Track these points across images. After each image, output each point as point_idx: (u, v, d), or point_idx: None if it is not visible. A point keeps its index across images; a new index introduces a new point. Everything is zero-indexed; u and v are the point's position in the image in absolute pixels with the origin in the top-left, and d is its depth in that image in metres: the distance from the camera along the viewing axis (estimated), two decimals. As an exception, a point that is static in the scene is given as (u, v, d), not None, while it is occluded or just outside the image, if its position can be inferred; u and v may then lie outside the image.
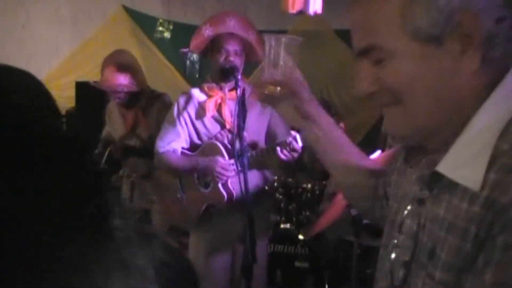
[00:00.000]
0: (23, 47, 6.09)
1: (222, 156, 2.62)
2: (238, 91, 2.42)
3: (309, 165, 4.16)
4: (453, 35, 0.82)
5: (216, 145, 2.66)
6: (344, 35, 5.53)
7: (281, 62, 1.15)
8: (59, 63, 6.05)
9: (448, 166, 0.86)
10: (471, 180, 0.82)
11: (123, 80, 3.39)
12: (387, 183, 1.19)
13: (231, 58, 2.54)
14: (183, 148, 2.78)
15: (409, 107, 0.88)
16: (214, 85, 2.67)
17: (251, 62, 2.76)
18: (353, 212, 2.27)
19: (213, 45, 2.60)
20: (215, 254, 2.72)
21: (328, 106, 5.51)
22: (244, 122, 2.42)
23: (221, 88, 2.66)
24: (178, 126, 2.74)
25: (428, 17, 0.82)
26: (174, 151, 2.76)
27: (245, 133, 2.44)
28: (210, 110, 2.66)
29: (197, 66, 5.65)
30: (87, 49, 5.87)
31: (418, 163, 0.99)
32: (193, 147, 2.79)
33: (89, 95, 4.15)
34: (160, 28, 5.83)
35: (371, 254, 3.07)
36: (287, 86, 1.17)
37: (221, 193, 2.63)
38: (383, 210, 1.21)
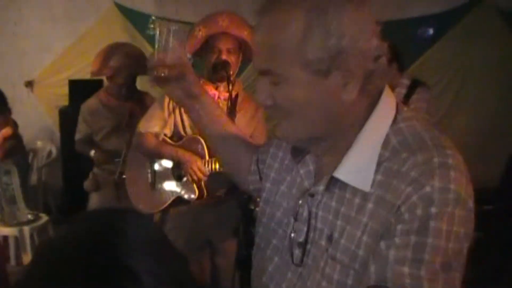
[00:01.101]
0: (16, 44, 6.06)
1: (203, 151, 2.64)
2: (230, 87, 2.45)
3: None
4: (338, 70, 0.99)
5: (198, 139, 2.67)
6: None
7: (170, 47, 1.26)
8: (51, 60, 6.02)
9: (344, 173, 1.06)
10: (363, 183, 1.04)
11: (128, 61, 3.47)
12: (260, 160, 1.41)
13: (223, 57, 2.56)
14: (165, 135, 2.79)
15: (297, 124, 1.07)
16: (210, 83, 2.69)
17: (246, 61, 2.78)
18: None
19: (207, 46, 2.62)
20: (190, 252, 2.73)
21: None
22: (233, 120, 2.44)
23: (216, 88, 2.68)
24: (166, 112, 2.74)
25: (319, 54, 0.97)
26: (156, 135, 2.76)
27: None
28: None
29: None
30: (80, 46, 5.85)
31: (303, 159, 1.21)
32: (176, 137, 2.79)
33: (83, 92, 4.13)
34: (152, 26, 5.81)
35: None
36: (175, 69, 1.28)
37: (192, 188, 2.65)
38: (255, 184, 1.43)
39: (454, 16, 5.23)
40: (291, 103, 1.04)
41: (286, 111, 1.05)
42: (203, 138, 2.58)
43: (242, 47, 2.66)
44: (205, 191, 2.65)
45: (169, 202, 2.76)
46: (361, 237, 1.03)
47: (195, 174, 2.60)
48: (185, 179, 2.69)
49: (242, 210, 2.31)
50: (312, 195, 1.15)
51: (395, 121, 1.06)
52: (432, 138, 1.03)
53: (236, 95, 2.64)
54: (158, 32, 1.27)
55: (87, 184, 3.68)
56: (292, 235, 1.18)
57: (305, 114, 1.04)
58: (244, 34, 2.60)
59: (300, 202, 1.18)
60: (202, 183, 2.65)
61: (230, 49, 2.59)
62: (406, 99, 3.65)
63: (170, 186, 2.77)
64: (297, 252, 1.16)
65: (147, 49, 5.74)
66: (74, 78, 5.57)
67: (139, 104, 3.68)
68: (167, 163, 2.78)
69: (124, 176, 3.18)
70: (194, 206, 2.74)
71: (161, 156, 2.77)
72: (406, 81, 3.72)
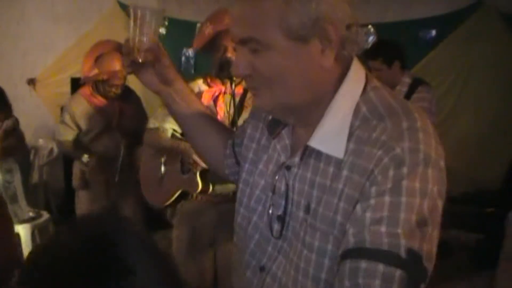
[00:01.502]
0: (18, 43, 6.08)
1: None
2: (233, 85, 2.46)
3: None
4: (317, 36, 1.04)
5: None
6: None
7: (145, 31, 1.26)
8: (54, 59, 6.04)
9: (317, 141, 1.10)
10: (336, 150, 1.08)
11: (117, 66, 3.42)
12: (235, 144, 1.44)
13: (228, 54, 2.57)
14: (175, 131, 2.81)
15: (276, 91, 1.09)
16: (218, 79, 2.71)
17: None
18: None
19: (213, 42, 2.63)
20: (194, 249, 2.74)
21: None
22: (238, 117, 2.45)
23: (223, 83, 2.70)
24: None
25: (300, 18, 1.02)
26: (164, 130, 2.79)
27: (234, 129, 2.47)
28: (206, 101, 2.69)
29: (192, 62, 5.66)
30: (82, 45, 5.85)
31: (279, 134, 1.24)
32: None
33: (85, 91, 4.13)
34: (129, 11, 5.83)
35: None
36: (150, 53, 1.30)
37: (196, 181, 2.66)
38: (231, 168, 1.47)
39: (456, 18, 5.23)
40: (272, 69, 1.07)
41: (266, 78, 1.08)
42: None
43: None
44: (210, 185, 2.65)
45: (175, 196, 2.77)
46: (338, 203, 1.06)
47: (196, 163, 2.61)
48: (190, 172, 2.70)
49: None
50: (288, 168, 1.18)
51: (364, 90, 1.11)
52: (400, 104, 1.09)
53: (245, 91, 2.65)
54: (132, 17, 1.26)
55: (75, 182, 3.66)
56: (270, 210, 1.21)
57: (285, 81, 1.08)
58: None
59: (277, 176, 1.22)
60: (207, 175, 2.64)
61: (235, 47, 2.59)
62: (407, 98, 3.64)
63: (176, 180, 2.78)
64: (276, 226, 1.19)
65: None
66: (76, 76, 5.58)
67: (127, 101, 3.68)
68: (177, 158, 2.80)
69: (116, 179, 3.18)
70: (199, 203, 2.74)
71: (166, 151, 2.80)
72: (407, 80, 3.71)
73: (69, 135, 3.60)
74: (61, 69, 6.00)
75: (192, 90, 1.53)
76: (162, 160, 2.86)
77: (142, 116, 3.70)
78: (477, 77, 5.28)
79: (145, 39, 1.27)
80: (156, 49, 1.32)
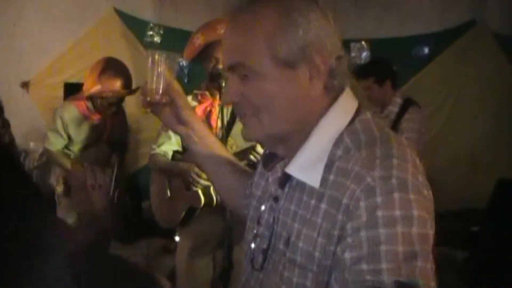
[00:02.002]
0: (14, 45, 6.06)
1: None
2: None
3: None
4: (305, 63, 1.05)
5: None
6: (345, 45, 5.58)
7: (162, 74, 1.32)
8: (48, 62, 6.03)
9: (294, 168, 1.09)
10: (312, 179, 1.06)
11: (119, 85, 3.45)
12: (252, 183, 1.41)
13: (219, 66, 2.57)
14: (177, 151, 2.83)
15: (264, 119, 1.09)
16: (206, 92, 2.72)
17: None
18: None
19: (205, 53, 2.64)
20: (197, 257, 2.76)
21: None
22: (230, 129, 2.46)
23: (212, 95, 2.70)
24: (170, 130, 2.78)
25: (287, 45, 1.03)
26: (164, 153, 2.82)
27: (231, 140, 2.48)
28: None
29: (185, 71, 5.67)
30: (77, 49, 5.87)
31: (274, 168, 1.25)
32: (186, 150, 2.84)
33: (78, 95, 4.13)
34: (150, 32, 5.84)
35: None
36: (166, 95, 1.34)
37: (198, 196, 2.67)
38: (248, 207, 1.41)
39: (449, 36, 5.30)
40: (260, 96, 1.07)
41: (255, 105, 1.08)
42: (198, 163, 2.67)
43: None
44: (214, 197, 2.66)
45: (183, 214, 2.78)
46: (317, 238, 1.02)
47: (195, 180, 2.62)
48: (192, 188, 2.71)
49: (225, 223, 2.33)
50: (276, 200, 1.17)
51: (352, 121, 1.09)
52: (381, 133, 1.06)
53: None
54: (149, 60, 1.33)
55: (58, 189, 3.66)
56: (252, 244, 1.21)
57: (273, 108, 1.07)
58: None
59: (263, 207, 1.22)
60: (211, 190, 2.65)
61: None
62: (398, 118, 3.68)
63: (182, 197, 2.80)
64: (260, 258, 1.18)
65: (144, 55, 5.77)
66: (70, 81, 5.58)
67: (118, 118, 3.71)
68: (179, 177, 2.83)
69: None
70: (206, 215, 2.74)
71: (166, 171, 2.83)
72: (399, 100, 3.75)
73: (58, 144, 3.61)
74: (55, 72, 5.99)
75: (211, 132, 1.55)
76: (167, 182, 2.89)
77: (126, 128, 3.76)
78: (468, 95, 5.34)
79: (161, 81, 1.33)
80: (172, 91, 1.35)
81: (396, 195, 0.94)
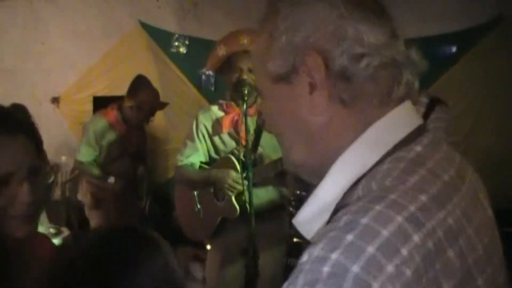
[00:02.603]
0: (42, 62, 6.19)
1: (236, 169, 2.66)
2: (244, 105, 2.45)
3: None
4: (299, 73, 0.83)
5: (230, 158, 2.71)
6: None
7: None
8: (77, 77, 6.14)
9: (299, 219, 0.85)
10: (308, 232, 0.83)
11: (153, 98, 3.70)
12: None
13: (244, 77, 2.58)
14: (202, 162, 2.84)
15: (283, 142, 0.91)
16: (231, 102, 2.73)
17: None
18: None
19: (228, 64, 2.65)
20: (228, 266, 2.76)
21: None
22: (259, 139, 2.46)
23: (238, 105, 2.71)
24: (197, 141, 2.81)
25: (275, 56, 0.85)
26: (192, 164, 2.82)
27: (260, 149, 2.48)
28: (227, 127, 2.72)
29: (212, 81, 5.71)
30: (104, 64, 5.96)
31: None
32: (212, 161, 2.84)
33: (106, 109, 4.21)
34: (176, 43, 5.90)
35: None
36: None
37: (233, 206, 2.66)
38: None
39: (475, 34, 5.21)
40: (269, 118, 0.94)
41: (272, 129, 0.94)
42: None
43: None
44: (248, 206, 2.65)
45: (216, 225, 2.78)
46: None
47: (232, 187, 2.62)
48: (225, 198, 2.71)
49: (250, 230, 2.32)
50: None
51: (384, 158, 0.79)
52: (398, 182, 0.74)
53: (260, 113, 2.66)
54: None
55: (86, 203, 3.74)
56: None
57: (282, 132, 0.91)
58: None
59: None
60: (242, 197, 2.61)
61: (251, 68, 2.61)
62: (425, 118, 3.64)
63: (213, 209, 2.80)
64: None
65: (170, 67, 5.84)
66: (98, 95, 5.68)
67: (140, 131, 3.81)
68: (209, 189, 2.82)
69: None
70: (233, 224, 2.74)
71: (198, 181, 2.83)
72: (425, 100, 3.71)
73: (90, 156, 3.69)
74: (84, 87, 6.09)
75: None
76: (196, 194, 2.88)
77: (146, 141, 3.89)
78: (497, 95, 5.24)
79: None
80: None
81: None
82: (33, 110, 4.50)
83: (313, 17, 0.83)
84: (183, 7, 5.86)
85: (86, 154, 3.71)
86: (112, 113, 3.76)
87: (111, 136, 3.71)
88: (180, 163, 2.87)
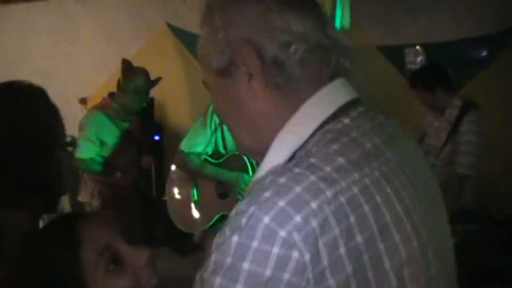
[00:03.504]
0: (72, 63, 6.27)
1: (246, 170, 2.63)
2: None
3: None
4: (236, 66, 0.92)
5: (241, 158, 2.68)
6: (387, 52, 5.49)
7: None
8: (105, 78, 6.20)
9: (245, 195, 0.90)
10: None
11: (142, 82, 3.76)
12: None
13: None
14: (205, 154, 2.80)
15: (232, 131, 1.01)
16: None
17: None
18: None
19: None
20: None
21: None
22: None
23: None
24: (208, 130, 2.75)
25: (213, 52, 0.94)
26: (198, 155, 2.77)
27: None
28: None
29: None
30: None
31: None
32: (216, 154, 2.79)
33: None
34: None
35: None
36: None
37: None
38: None
39: (507, 37, 5.10)
40: (217, 109, 1.04)
41: (222, 120, 1.06)
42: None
43: None
44: None
45: (213, 220, 2.76)
46: None
47: (244, 191, 2.61)
48: (230, 196, 2.70)
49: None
50: None
51: (315, 133, 0.89)
52: (322, 149, 0.85)
53: None
54: None
55: (94, 203, 3.65)
56: None
57: (229, 121, 1.01)
58: None
59: None
60: None
61: None
62: (458, 120, 3.58)
63: (215, 204, 2.77)
64: None
65: (197, 68, 5.84)
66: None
67: (147, 121, 3.78)
68: (209, 182, 2.79)
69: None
70: None
71: (205, 176, 2.78)
72: (458, 102, 3.65)
73: (90, 152, 3.58)
74: (112, 88, 6.13)
75: None
76: (194, 185, 2.84)
77: (158, 131, 3.81)
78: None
79: None
80: None
81: (235, 238, 0.77)
82: (62, 110, 4.55)
83: (243, 13, 0.91)
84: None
85: (86, 150, 3.56)
86: (107, 104, 3.70)
87: (111, 128, 3.63)
88: (186, 149, 2.80)
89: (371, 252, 0.79)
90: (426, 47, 5.31)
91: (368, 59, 5.61)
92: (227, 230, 0.79)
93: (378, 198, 0.83)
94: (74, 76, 6.27)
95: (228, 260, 0.76)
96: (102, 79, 6.19)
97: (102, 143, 3.60)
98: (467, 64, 5.18)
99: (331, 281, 0.76)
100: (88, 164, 3.60)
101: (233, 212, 0.81)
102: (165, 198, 3.10)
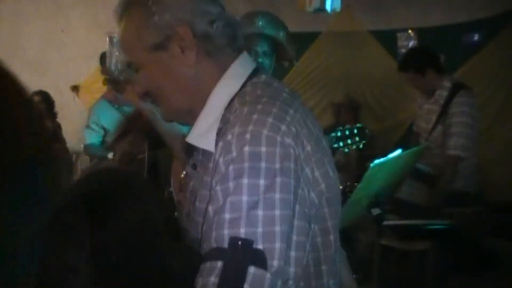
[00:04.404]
0: (63, 51, 6.24)
1: None
2: None
3: (343, 166, 4.14)
4: (172, 40, 1.15)
5: None
6: (380, 36, 5.49)
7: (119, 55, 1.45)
8: (96, 66, 6.17)
9: (192, 136, 1.18)
10: (208, 144, 1.13)
11: None
12: None
13: (260, 60, 2.53)
14: None
15: (163, 99, 1.21)
16: None
17: (283, 64, 2.75)
18: (374, 212, 2.26)
19: (243, 47, 2.60)
20: None
21: (355, 106, 5.47)
22: None
23: None
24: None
25: (150, 32, 1.15)
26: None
27: None
28: None
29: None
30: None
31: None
32: None
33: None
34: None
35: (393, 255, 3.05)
36: (124, 72, 1.57)
37: None
38: None
39: (501, 21, 5.11)
40: (151, 83, 1.20)
41: (153, 92, 1.22)
42: None
43: (277, 49, 2.62)
44: None
45: None
46: (209, 195, 1.08)
47: None
48: None
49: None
50: (194, 167, 1.25)
51: (244, 85, 1.17)
52: (264, 92, 1.14)
53: None
54: (108, 43, 1.44)
55: None
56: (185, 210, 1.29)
57: (163, 90, 1.20)
58: (280, 35, 2.58)
59: (183, 175, 1.39)
60: None
61: (266, 52, 2.55)
62: (447, 102, 3.58)
63: None
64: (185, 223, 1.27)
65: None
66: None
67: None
68: None
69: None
70: None
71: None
72: (447, 84, 3.64)
73: (93, 138, 3.77)
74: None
75: None
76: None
77: None
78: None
79: (118, 61, 1.46)
80: None
81: (246, 148, 1.02)
82: (54, 98, 4.58)
83: (174, 2, 1.15)
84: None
85: (89, 137, 3.78)
86: (110, 92, 3.79)
87: (112, 114, 3.68)
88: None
89: (320, 152, 1.13)
90: (418, 32, 5.31)
91: (360, 43, 5.62)
92: (232, 147, 1.02)
93: (308, 123, 1.14)
94: (65, 64, 6.24)
95: (246, 164, 1.01)
96: (93, 67, 6.16)
97: (104, 130, 3.68)
98: (460, 49, 5.19)
99: (307, 169, 1.08)
100: (91, 149, 3.82)
101: (229, 137, 1.04)
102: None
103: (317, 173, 1.10)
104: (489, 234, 3.61)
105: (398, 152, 2.48)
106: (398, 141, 5.23)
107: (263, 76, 1.20)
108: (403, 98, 5.14)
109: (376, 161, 2.22)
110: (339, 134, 2.59)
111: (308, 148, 1.09)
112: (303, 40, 5.47)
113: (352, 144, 2.60)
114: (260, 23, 2.55)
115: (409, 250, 3.78)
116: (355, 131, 2.61)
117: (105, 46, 6.07)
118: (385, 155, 2.39)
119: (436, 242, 3.28)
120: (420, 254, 3.64)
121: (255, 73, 1.21)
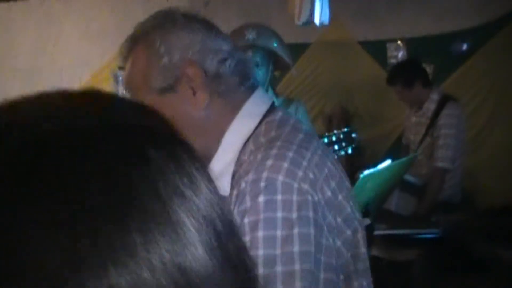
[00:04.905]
0: (55, 61, 6.23)
1: None
2: None
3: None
4: (182, 82, 1.10)
5: None
6: (370, 46, 5.53)
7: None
8: (89, 76, 6.18)
9: None
10: (222, 188, 1.04)
11: None
12: None
13: None
14: None
15: None
16: None
17: (280, 72, 2.78)
18: (366, 221, 2.29)
19: None
20: None
21: (346, 115, 5.51)
22: None
23: None
24: None
25: (158, 75, 1.10)
26: None
27: None
28: None
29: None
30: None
31: None
32: None
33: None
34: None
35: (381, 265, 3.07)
36: None
37: None
38: None
39: (490, 30, 5.17)
40: None
41: None
42: None
43: (272, 59, 2.65)
44: None
45: None
46: None
47: None
48: None
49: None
50: None
51: (259, 125, 1.11)
52: (279, 132, 1.08)
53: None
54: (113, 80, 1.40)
55: None
56: None
57: None
58: (273, 45, 2.60)
59: None
60: None
61: (258, 63, 2.57)
62: (435, 115, 3.63)
63: None
64: None
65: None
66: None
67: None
68: None
69: None
70: None
71: None
72: (435, 96, 3.70)
73: None
74: (97, 85, 6.12)
75: None
76: None
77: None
78: (511, 91, 5.20)
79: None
80: None
81: (260, 198, 0.96)
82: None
83: (183, 42, 1.11)
84: (193, 6, 5.87)
85: None
86: None
87: None
88: None
89: (341, 192, 1.07)
90: (408, 41, 5.36)
91: (350, 53, 5.66)
92: (246, 197, 0.97)
93: (328, 163, 1.08)
94: (58, 73, 6.24)
95: (261, 216, 0.95)
96: (85, 76, 6.17)
97: None
98: (449, 58, 5.24)
99: (330, 216, 1.02)
100: None
101: (242, 185, 0.99)
102: None
103: (339, 219, 1.05)
104: (478, 240, 3.64)
105: (387, 162, 2.52)
106: (388, 150, 5.27)
107: (279, 113, 1.14)
108: (393, 108, 5.17)
109: (366, 172, 2.25)
110: (325, 140, 2.62)
111: (329, 193, 1.03)
112: (294, 51, 5.49)
113: (339, 150, 2.63)
114: (251, 35, 2.58)
115: (396, 260, 3.81)
116: (342, 136, 2.63)
117: (97, 55, 6.11)
118: (375, 164, 2.42)
119: (424, 251, 3.31)
120: (408, 263, 3.66)
121: (270, 110, 1.15)
